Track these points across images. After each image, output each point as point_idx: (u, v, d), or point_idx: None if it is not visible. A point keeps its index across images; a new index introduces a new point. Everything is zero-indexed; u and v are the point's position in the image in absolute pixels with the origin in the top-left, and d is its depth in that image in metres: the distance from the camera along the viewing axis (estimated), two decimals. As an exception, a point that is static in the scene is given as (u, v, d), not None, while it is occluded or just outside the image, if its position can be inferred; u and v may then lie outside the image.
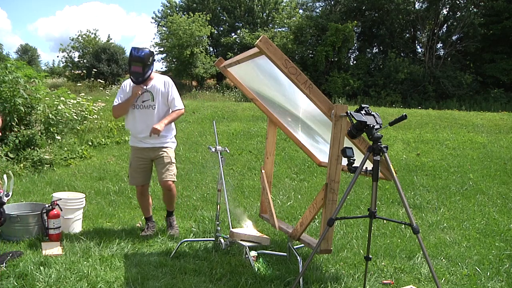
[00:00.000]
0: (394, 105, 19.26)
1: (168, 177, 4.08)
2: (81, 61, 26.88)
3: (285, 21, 27.90)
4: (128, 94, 4.06)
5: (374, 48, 27.53)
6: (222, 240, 3.62)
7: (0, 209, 2.59)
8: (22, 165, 6.68)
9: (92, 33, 27.78)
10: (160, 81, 4.12)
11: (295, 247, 3.53)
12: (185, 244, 3.85)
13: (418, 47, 26.83)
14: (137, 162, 4.15)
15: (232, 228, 3.59)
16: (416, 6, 25.17)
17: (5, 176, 2.77)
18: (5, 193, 2.72)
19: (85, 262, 3.36)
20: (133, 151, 4.20)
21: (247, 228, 3.69)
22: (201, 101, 14.72)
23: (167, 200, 4.29)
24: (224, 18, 31.46)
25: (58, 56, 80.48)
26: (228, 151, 3.96)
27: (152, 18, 33.70)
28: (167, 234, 4.14)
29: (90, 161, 7.59)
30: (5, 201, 2.65)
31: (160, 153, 4.10)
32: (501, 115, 12.24)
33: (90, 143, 8.46)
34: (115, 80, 25.27)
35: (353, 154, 2.70)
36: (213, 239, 3.77)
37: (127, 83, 4.13)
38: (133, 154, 4.18)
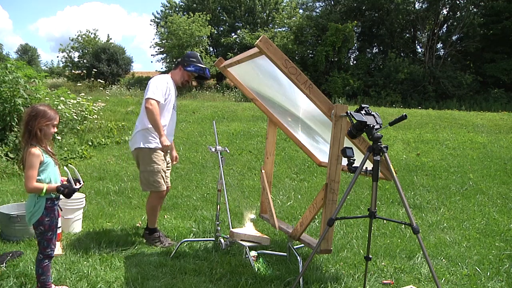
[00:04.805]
0: (394, 105, 19.27)
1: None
2: (81, 61, 26.90)
3: (285, 21, 27.89)
4: (172, 97, 3.92)
5: (374, 48, 27.54)
6: (222, 240, 3.63)
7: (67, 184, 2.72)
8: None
9: (91, 33, 27.82)
10: None
11: (295, 247, 3.53)
12: (185, 244, 3.85)
13: (418, 47, 26.87)
14: (164, 164, 3.95)
15: (232, 228, 3.60)
16: (416, 6, 25.19)
17: (65, 168, 2.87)
18: (76, 179, 2.84)
19: (85, 262, 3.36)
20: (160, 153, 3.88)
21: (247, 228, 3.69)
22: (201, 101, 14.72)
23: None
24: (224, 18, 31.45)
25: (58, 56, 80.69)
26: (228, 151, 3.96)
27: (151, 20, 33.67)
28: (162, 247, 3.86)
29: (90, 161, 7.59)
30: (78, 188, 2.79)
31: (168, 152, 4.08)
32: (501, 115, 12.24)
33: (90, 143, 8.46)
34: (115, 80, 25.27)
35: (353, 154, 2.70)
36: (213, 239, 3.77)
37: (171, 83, 3.96)
38: (160, 156, 3.88)
